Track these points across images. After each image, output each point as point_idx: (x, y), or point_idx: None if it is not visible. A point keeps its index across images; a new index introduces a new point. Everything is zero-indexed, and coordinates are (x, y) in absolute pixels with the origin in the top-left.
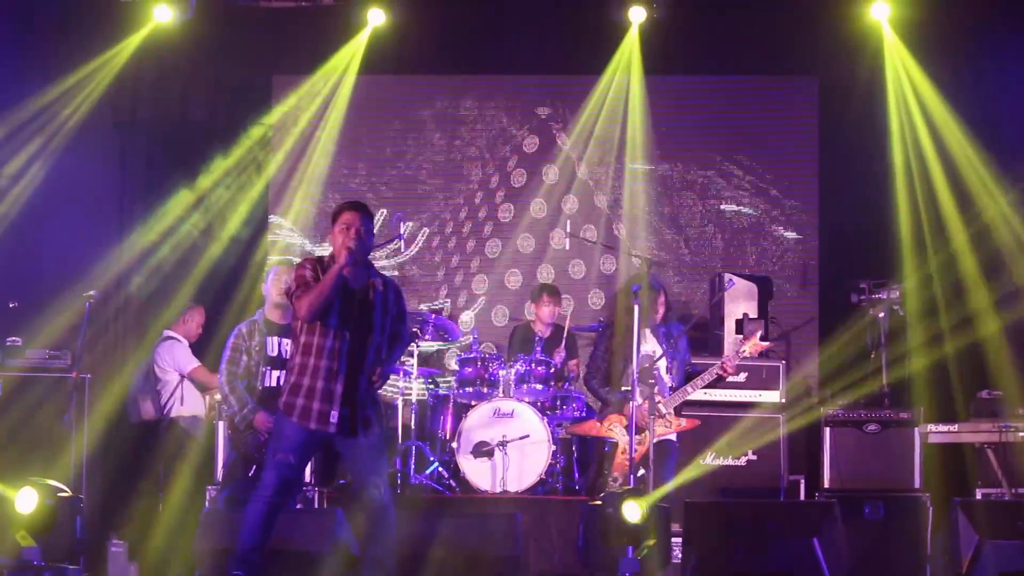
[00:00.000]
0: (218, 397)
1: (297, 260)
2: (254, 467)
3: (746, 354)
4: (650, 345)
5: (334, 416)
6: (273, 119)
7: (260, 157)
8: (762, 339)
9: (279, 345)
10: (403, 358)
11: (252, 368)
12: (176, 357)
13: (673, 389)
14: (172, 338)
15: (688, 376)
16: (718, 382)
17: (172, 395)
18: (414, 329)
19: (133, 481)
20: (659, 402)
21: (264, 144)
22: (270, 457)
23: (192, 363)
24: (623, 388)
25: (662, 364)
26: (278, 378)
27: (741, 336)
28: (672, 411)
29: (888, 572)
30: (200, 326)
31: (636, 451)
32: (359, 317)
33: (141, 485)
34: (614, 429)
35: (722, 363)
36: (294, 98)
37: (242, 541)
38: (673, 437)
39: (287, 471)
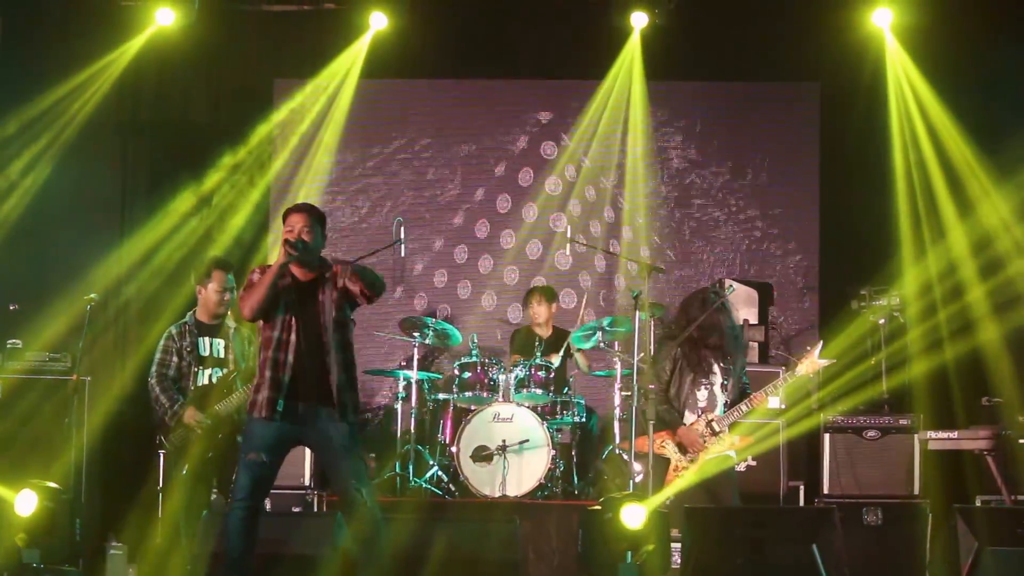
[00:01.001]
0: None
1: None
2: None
3: (801, 374)
4: (707, 363)
5: (279, 404)
6: (275, 122)
7: (262, 160)
8: (820, 356)
9: (210, 345)
10: (401, 362)
11: (184, 368)
12: None
13: (728, 406)
14: None
15: (742, 394)
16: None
17: None
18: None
19: (132, 483)
20: (712, 420)
21: (266, 147)
22: (241, 459)
23: None
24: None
25: (718, 381)
26: (210, 376)
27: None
28: (727, 428)
29: None
30: None
31: (690, 469)
32: (309, 310)
33: (140, 487)
34: (666, 447)
35: (765, 389)
36: (296, 101)
37: (230, 549)
38: (733, 454)
39: (257, 469)
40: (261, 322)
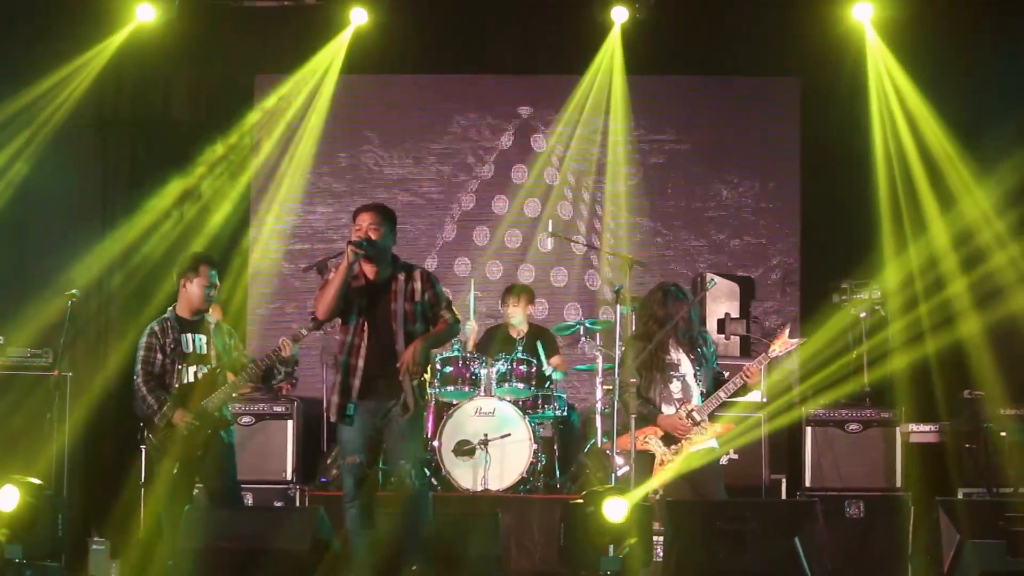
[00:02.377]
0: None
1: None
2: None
3: (776, 354)
4: (673, 353)
5: (349, 409)
6: (256, 118)
7: (243, 155)
8: (790, 336)
9: (193, 341)
10: None
11: (167, 366)
12: None
13: (705, 395)
14: None
15: (717, 381)
16: (744, 389)
17: None
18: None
19: (114, 479)
20: (692, 410)
21: (247, 142)
22: (341, 462)
23: None
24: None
25: (689, 371)
26: (194, 373)
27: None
28: (707, 418)
29: (869, 572)
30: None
31: (675, 462)
32: (380, 312)
33: (123, 483)
34: (650, 442)
35: (744, 371)
36: (276, 97)
37: (353, 547)
38: (714, 444)
39: (356, 470)
40: (339, 322)
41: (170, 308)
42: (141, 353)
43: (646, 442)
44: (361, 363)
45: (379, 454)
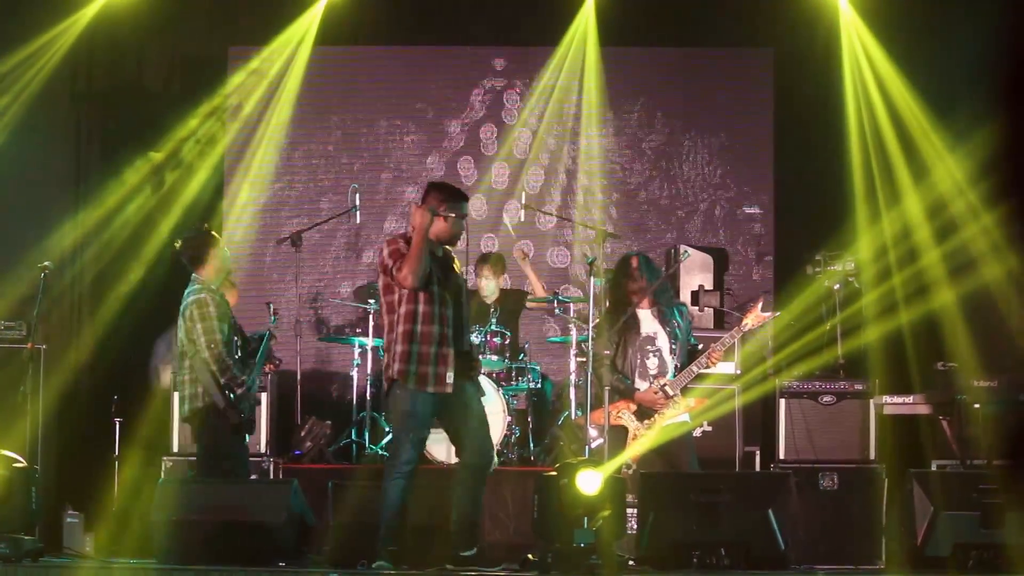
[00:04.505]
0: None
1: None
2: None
3: (749, 328)
4: (648, 326)
5: (450, 377)
6: (229, 90)
7: (216, 128)
8: (763, 309)
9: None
10: (357, 329)
11: (228, 337)
12: None
13: (678, 369)
14: None
15: (691, 355)
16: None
17: None
18: (370, 301)
19: (88, 452)
20: (665, 384)
21: (221, 115)
22: (404, 432)
23: None
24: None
25: (665, 346)
26: (239, 346)
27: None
28: (679, 392)
29: (843, 544)
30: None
31: (648, 436)
32: (451, 284)
33: (97, 456)
34: (623, 416)
35: (709, 354)
36: (250, 69)
37: (388, 517)
38: (686, 418)
39: (422, 444)
40: (408, 294)
41: (203, 279)
42: (210, 323)
43: (619, 416)
44: (449, 331)
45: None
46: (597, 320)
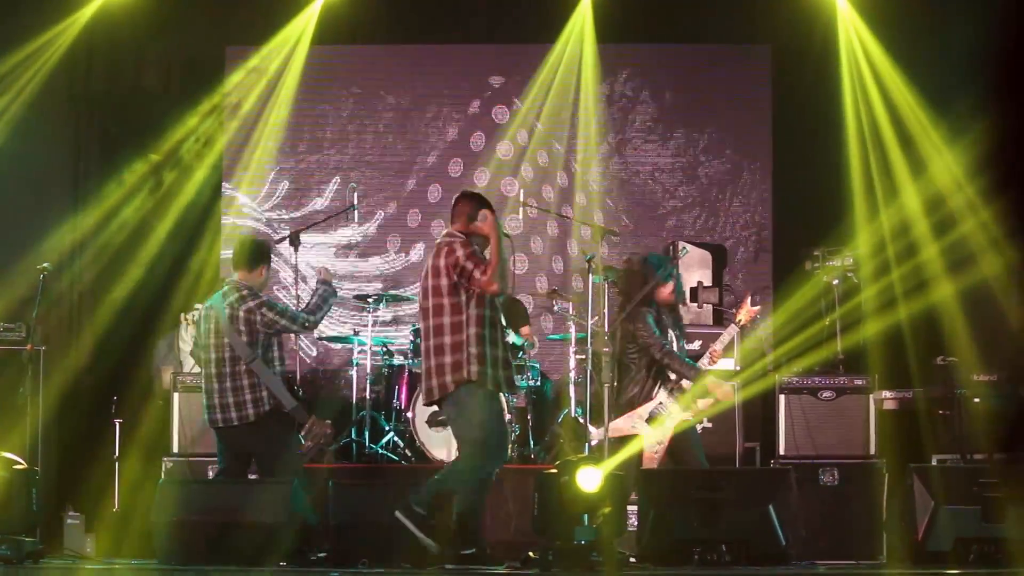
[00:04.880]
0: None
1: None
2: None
3: (743, 323)
4: (671, 332)
5: (517, 380)
6: (227, 89)
7: (215, 127)
8: (753, 303)
9: None
10: (357, 328)
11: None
12: None
13: None
14: None
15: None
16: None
17: None
18: (370, 300)
19: (89, 453)
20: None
21: (219, 114)
22: (494, 435)
23: None
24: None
25: (675, 342)
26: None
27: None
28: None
29: (844, 539)
30: None
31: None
32: None
33: (97, 457)
34: (637, 427)
35: (709, 353)
36: (248, 68)
37: (477, 526)
38: (690, 416)
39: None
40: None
41: (258, 291)
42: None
43: (632, 427)
44: (500, 336)
45: None
46: (596, 318)
